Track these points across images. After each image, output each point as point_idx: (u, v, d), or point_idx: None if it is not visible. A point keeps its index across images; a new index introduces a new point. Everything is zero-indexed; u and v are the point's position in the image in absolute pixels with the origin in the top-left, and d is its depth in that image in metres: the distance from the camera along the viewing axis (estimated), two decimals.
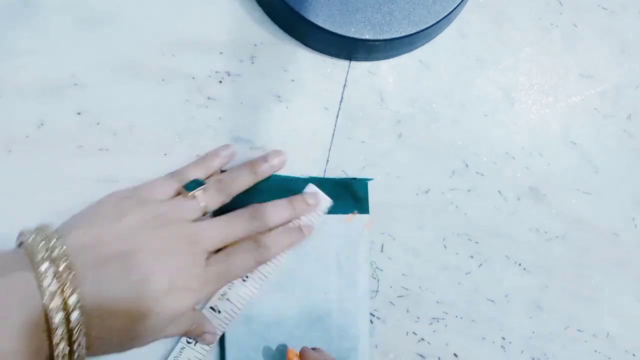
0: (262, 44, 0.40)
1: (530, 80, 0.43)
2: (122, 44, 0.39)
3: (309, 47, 0.40)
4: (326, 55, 0.41)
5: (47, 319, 0.26)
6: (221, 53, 0.39)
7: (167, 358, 0.35)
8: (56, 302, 0.26)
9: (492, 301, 0.40)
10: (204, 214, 0.34)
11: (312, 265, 0.38)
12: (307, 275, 0.37)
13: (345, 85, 0.41)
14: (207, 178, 0.36)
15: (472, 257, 0.40)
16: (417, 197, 0.40)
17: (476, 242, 0.40)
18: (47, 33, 0.38)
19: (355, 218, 0.39)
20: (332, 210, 0.39)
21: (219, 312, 0.36)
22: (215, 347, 0.36)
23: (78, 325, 0.27)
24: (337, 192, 0.39)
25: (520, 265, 0.41)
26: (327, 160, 0.40)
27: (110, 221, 0.31)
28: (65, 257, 0.28)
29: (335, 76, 0.41)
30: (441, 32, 0.41)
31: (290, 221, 0.37)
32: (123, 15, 0.39)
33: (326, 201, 0.38)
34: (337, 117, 0.40)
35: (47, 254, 0.28)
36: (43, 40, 0.38)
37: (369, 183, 0.39)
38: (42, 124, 0.37)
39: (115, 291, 0.29)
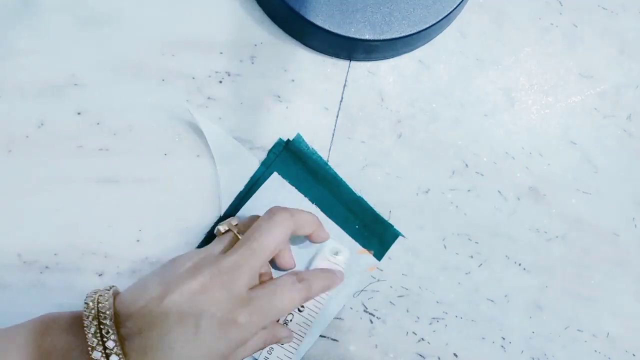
0: (262, 44, 0.40)
1: (530, 80, 0.43)
2: (122, 44, 0.39)
3: (309, 47, 0.40)
4: (326, 55, 0.41)
5: None
6: (221, 53, 0.39)
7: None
8: None
9: (492, 301, 0.40)
10: (233, 236, 0.34)
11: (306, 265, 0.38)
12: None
13: (345, 85, 0.41)
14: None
15: (472, 257, 0.40)
16: (417, 197, 0.40)
17: (476, 242, 0.40)
18: (47, 33, 0.38)
19: (367, 256, 0.39)
20: (356, 232, 0.39)
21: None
22: None
23: None
24: (370, 224, 0.39)
25: (520, 265, 0.41)
26: (327, 160, 0.40)
27: (159, 284, 0.31)
28: (112, 325, 0.29)
29: (335, 76, 0.41)
30: (441, 32, 0.41)
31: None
32: (123, 15, 0.39)
33: (346, 253, 0.38)
34: (337, 117, 0.40)
35: (97, 320, 0.29)
36: (43, 40, 0.38)
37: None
38: (42, 124, 0.37)
39: (163, 349, 0.29)
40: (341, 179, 0.39)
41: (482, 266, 0.40)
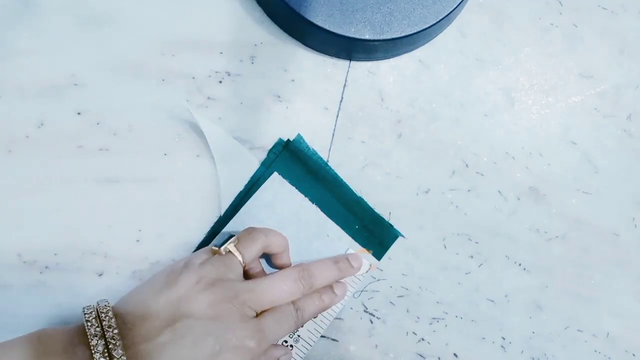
0: (262, 44, 0.40)
1: (530, 80, 0.43)
2: (122, 44, 0.39)
3: (309, 47, 0.40)
4: (326, 55, 0.40)
5: None
6: (221, 53, 0.39)
7: None
8: None
9: (492, 301, 0.40)
10: (244, 268, 0.34)
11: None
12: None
13: (345, 85, 0.41)
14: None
15: (472, 257, 0.40)
16: (417, 197, 0.40)
17: (476, 242, 0.40)
18: (47, 33, 0.38)
19: (367, 256, 0.39)
20: (356, 232, 0.39)
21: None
22: None
23: None
24: (370, 224, 0.39)
25: (520, 265, 0.41)
26: (328, 160, 0.40)
27: (159, 292, 0.32)
28: (116, 333, 0.29)
29: (335, 76, 0.41)
30: (441, 32, 0.41)
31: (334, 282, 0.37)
32: (123, 15, 0.39)
33: (365, 265, 0.38)
34: (337, 117, 0.40)
35: (100, 330, 0.29)
36: (43, 40, 0.38)
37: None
38: (42, 124, 0.37)
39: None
40: (341, 179, 0.39)
41: (482, 266, 0.40)
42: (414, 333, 0.39)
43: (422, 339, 0.39)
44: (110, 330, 0.29)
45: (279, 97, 0.40)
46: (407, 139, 0.41)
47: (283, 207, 0.38)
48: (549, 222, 0.41)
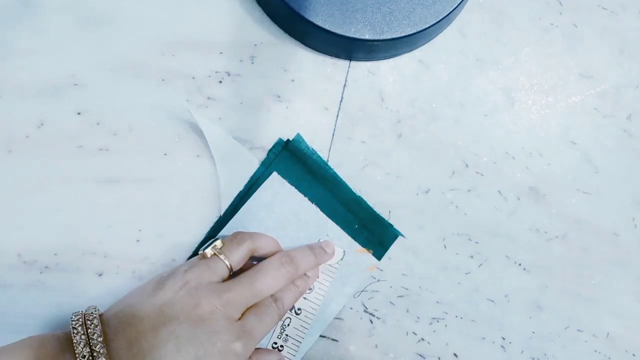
0: (262, 44, 0.40)
1: (530, 80, 0.43)
2: (122, 44, 0.39)
3: (309, 47, 0.40)
4: (326, 55, 0.41)
5: None
6: (221, 53, 0.39)
7: None
8: None
9: (492, 301, 0.40)
10: (230, 270, 0.34)
11: None
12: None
13: (345, 85, 0.41)
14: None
15: (472, 257, 0.40)
16: (417, 197, 0.40)
17: (476, 242, 0.40)
18: (47, 33, 0.38)
19: (366, 255, 0.39)
20: (355, 232, 0.39)
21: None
22: None
23: None
24: (370, 224, 0.39)
25: (520, 265, 0.41)
26: (327, 160, 0.40)
27: (146, 298, 0.32)
28: (100, 340, 0.29)
29: (335, 76, 0.41)
30: (441, 32, 0.41)
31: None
32: (123, 15, 0.39)
33: (339, 253, 0.38)
34: (337, 117, 0.40)
35: (85, 337, 0.30)
36: (43, 40, 0.38)
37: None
38: (42, 124, 0.37)
39: None
40: (341, 179, 0.39)
41: (482, 266, 0.40)
42: (414, 333, 0.39)
43: (422, 339, 0.39)
44: (95, 337, 0.29)
45: (279, 97, 0.40)
46: (407, 139, 0.41)
47: (283, 206, 0.38)
48: (549, 222, 0.41)
